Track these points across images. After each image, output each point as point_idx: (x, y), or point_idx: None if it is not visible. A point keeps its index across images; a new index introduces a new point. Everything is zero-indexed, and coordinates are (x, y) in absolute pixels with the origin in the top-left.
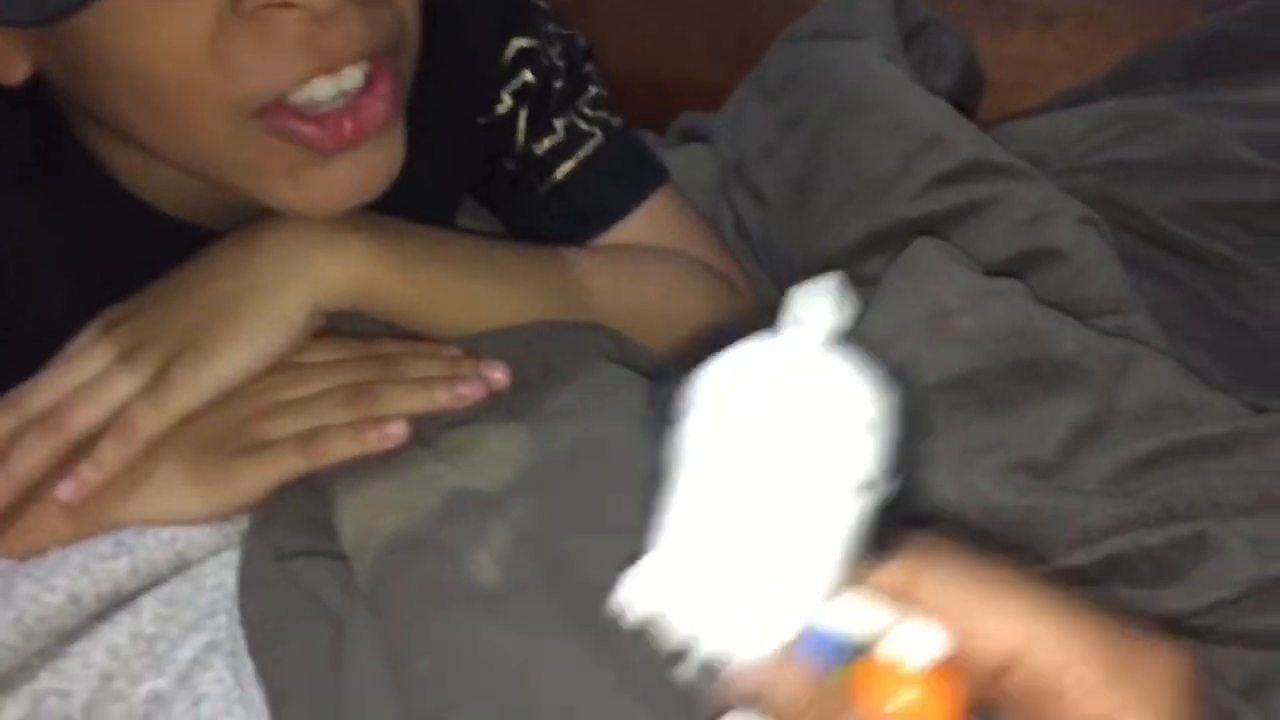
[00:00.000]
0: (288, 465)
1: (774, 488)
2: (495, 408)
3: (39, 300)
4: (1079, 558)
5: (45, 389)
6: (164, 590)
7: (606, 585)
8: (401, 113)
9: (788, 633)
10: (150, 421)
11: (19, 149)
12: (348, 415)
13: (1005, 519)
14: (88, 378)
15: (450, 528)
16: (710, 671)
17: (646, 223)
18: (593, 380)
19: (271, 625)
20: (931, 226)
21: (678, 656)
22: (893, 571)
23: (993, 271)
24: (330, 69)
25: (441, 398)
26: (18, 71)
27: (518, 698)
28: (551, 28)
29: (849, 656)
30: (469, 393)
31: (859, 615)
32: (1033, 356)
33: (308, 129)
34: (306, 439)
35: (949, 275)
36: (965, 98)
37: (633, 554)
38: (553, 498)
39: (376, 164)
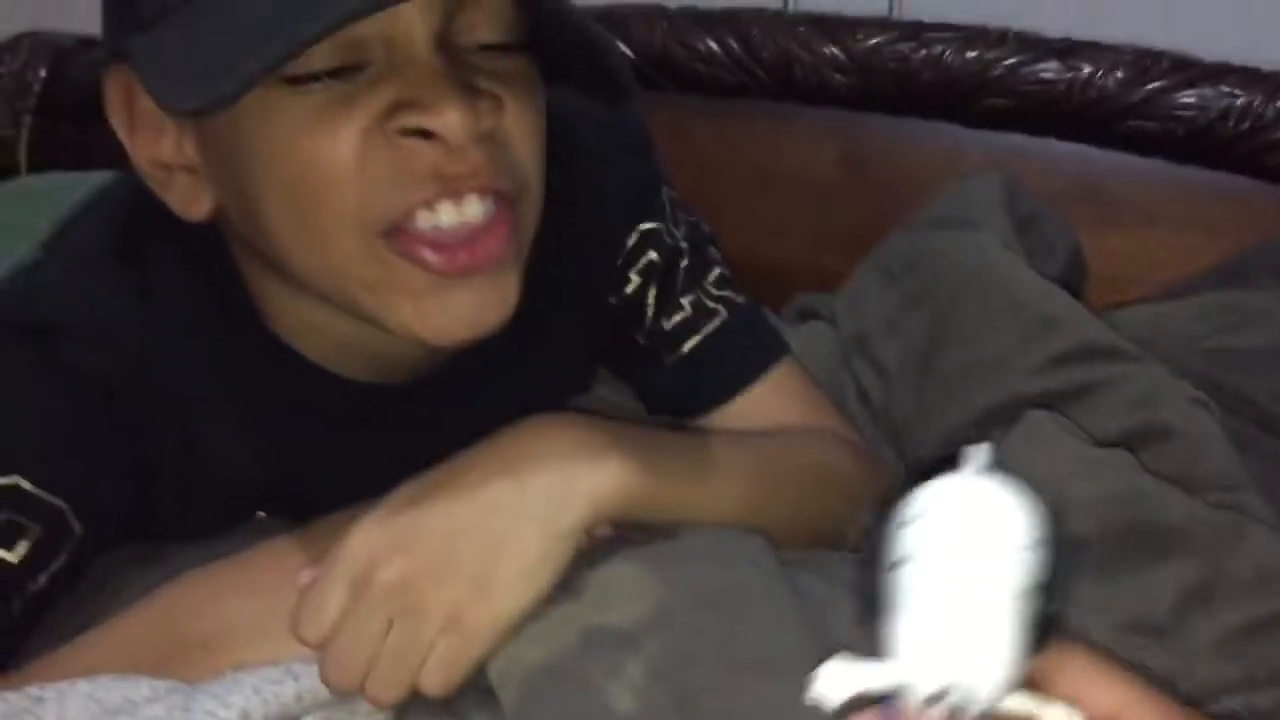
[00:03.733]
0: None
1: (969, 583)
2: (629, 552)
3: (207, 443)
4: None
5: (317, 622)
6: (322, 713)
7: (734, 717)
8: (519, 260)
9: (999, 692)
10: (444, 679)
11: (202, 300)
12: None
13: None
14: (365, 627)
15: (588, 661)
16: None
17: (770, 393)
18: (724, 533)
19: None
20: (1048, 403)
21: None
22: (1045, 662)
23: (1105, 446)
24: (455, 195)
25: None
26: (202, 208)
27: None
28: (680, 214)
29: None
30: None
31: (1022, 700)
32: (1143, 523)
33: (428, 253)
34: None
35: (1061, 445)
36: (1071, 288)
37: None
38: (683, 635)
39: (489, 301)
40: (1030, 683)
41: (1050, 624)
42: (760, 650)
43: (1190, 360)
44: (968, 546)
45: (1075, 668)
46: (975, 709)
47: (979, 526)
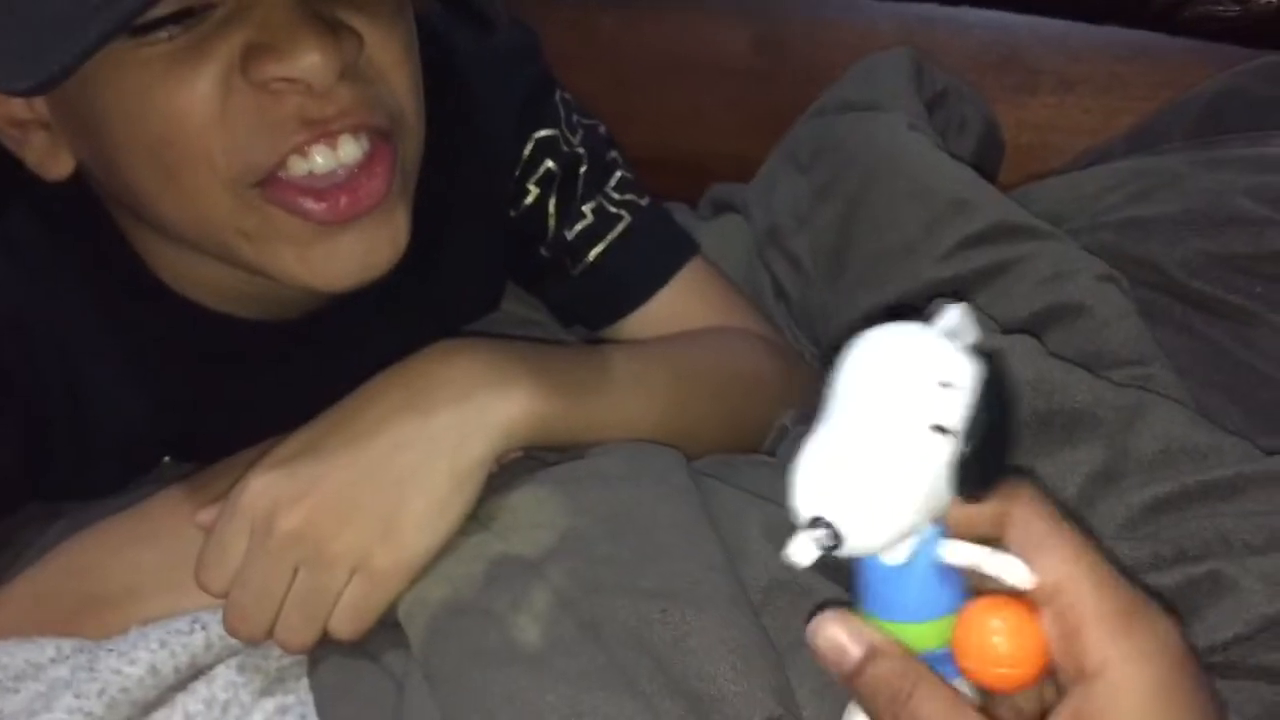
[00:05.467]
0: None
1: (877, 419)
2: (536, 471)
3: (97, 397)
4: None
5: (220, 571)
6: (236, 660)
7: (641, 642)
8: (404, 195)
9: (888, 532)
10: (355, 624)
11: (77, 252)
12: None
13: None
14: (269, 577)
15: (494, 593)
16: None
17: (682, 296)
18: (635, 449)
19: (340, 686)
20: (960, 287)
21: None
22: (987, 508)
23: (1018, 327)
24: (327, 138)
25: None
26: (63, 166)
27: None
28: (575, 117)
29: (959, 587)
30: None
31: (964, 550)
32: (1047, 408)
33: (306, 202)
34: None
35: None
36: (987, 161)
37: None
38: (590, 563)
39: (377, 242)
40: (991, 529)
41: (977, 466)
42: (667, 577)
43: (1102, 233)
44: (874, 381)
45: (1036, 531)
46: (854, 542)
47: (890, 364)
